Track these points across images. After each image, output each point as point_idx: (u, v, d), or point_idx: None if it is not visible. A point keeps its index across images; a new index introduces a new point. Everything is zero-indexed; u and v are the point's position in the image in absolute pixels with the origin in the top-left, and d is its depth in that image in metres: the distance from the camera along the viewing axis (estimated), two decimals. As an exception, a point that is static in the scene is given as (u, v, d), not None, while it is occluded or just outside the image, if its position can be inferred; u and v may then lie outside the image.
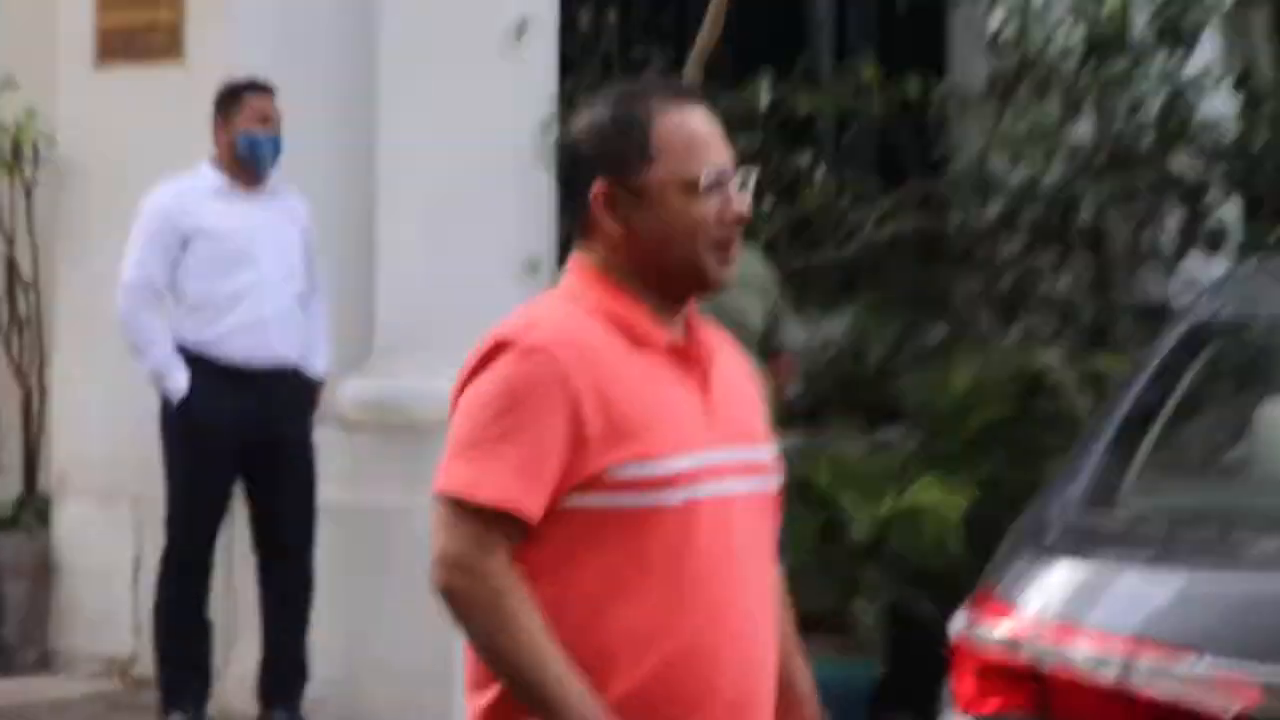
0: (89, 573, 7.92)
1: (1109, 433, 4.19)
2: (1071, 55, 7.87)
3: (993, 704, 3.70)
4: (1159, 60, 8.02)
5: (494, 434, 2.72)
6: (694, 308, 2.93)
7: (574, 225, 2.89)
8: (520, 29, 7.44)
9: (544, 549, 2.75)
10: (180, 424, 6.83)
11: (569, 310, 2.83)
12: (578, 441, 2.72)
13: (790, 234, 7.86)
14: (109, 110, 8.05)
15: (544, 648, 2.69)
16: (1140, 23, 7.84)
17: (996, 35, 7.83)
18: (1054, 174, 8.06)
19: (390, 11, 7.63)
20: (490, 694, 2.78)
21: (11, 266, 8.34)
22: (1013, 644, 3.68)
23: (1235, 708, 3.42)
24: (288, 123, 7.06)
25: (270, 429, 6.88)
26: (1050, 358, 7.60)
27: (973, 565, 7.31)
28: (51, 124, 8.20)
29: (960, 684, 3.76)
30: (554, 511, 2.74)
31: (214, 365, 6.81)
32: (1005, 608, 3.74)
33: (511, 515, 2.71)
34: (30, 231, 8.29)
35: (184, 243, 6.86)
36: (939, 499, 6.97)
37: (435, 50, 7.55)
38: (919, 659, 7.49)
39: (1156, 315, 8.50)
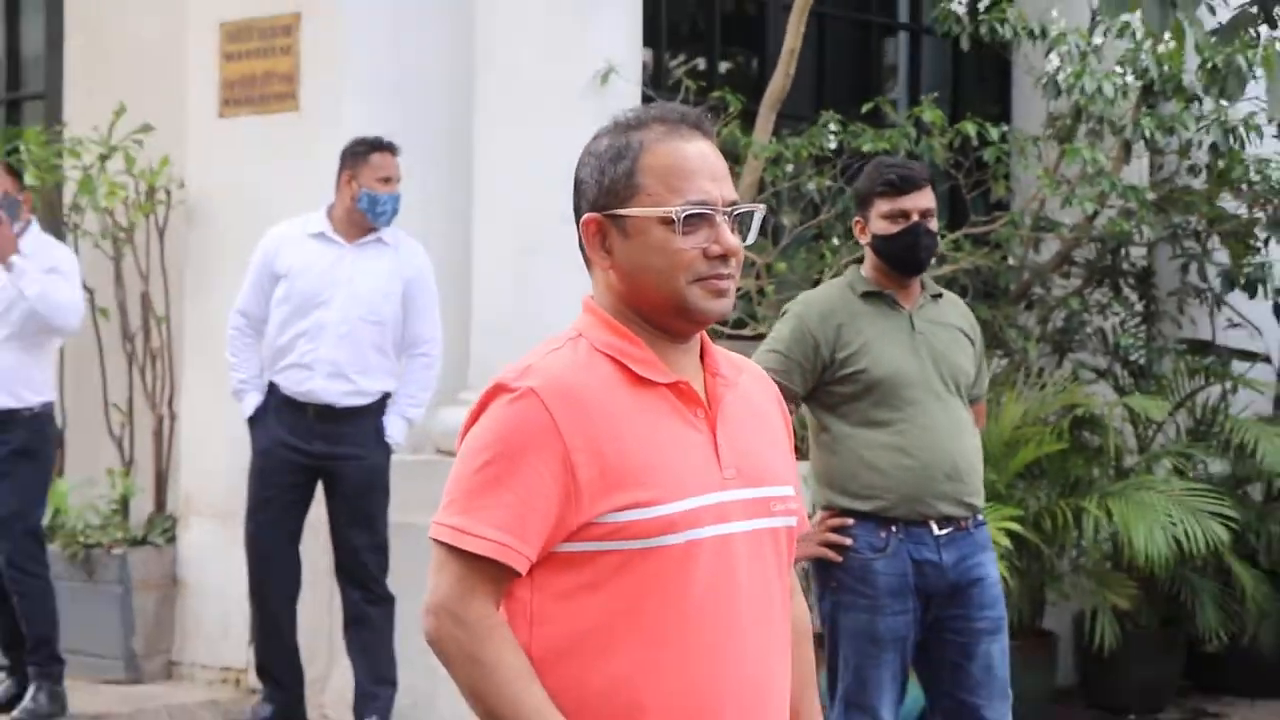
0: (210, 587, 8.27)
1: None
2: (1124, 100, 8.23)
3: None
4: (1208, 104, 8.38)
5: (483, 480, 2.66)
6: (706, 339, 2.83)
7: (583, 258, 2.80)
8: (605, 74, 7.72)
9: (536, 593, 2.68)
10: (252, 445, 7.18)
11: (572, 350, 2.74)
12: (569, 490, 2.64)
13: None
14: (231, 155, 8.38)
15: (524, 695, 2.61)
16: (1190, 69, 8.18)
17: (1053, 80, 8.19)
18: (1106, 214, 8.42)
19: (485, 60, 7.88)
20: None
21: (146, 302, 8.63)
22: None
23: None
24: (391, 168, 7.20)
25: (323, 460, 7.04)
26: (1096, 396, 7.92)
27: (1017, 595, 7.70)
28: (182, 168, 8.54)
29: None
30: (547, 555, 2.66)
31: (279, 395, 7.08)
32: None
33: (498, 564, 2.65)
34: (163, 269, 8.63)
35: (275, 281, 7.09)
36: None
37: (525, 97, 7.77)
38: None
39: (1200, 351, 8.89)
